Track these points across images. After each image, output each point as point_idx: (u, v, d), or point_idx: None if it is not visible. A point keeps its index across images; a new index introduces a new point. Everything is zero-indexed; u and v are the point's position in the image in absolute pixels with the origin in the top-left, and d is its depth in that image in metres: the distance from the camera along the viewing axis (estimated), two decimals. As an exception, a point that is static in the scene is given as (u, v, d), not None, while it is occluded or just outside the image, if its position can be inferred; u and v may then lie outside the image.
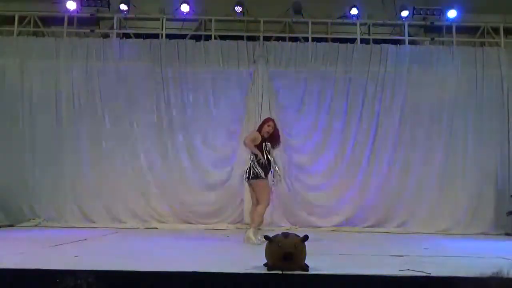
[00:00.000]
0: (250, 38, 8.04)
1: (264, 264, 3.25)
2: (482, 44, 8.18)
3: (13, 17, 7.98)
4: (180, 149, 7.76)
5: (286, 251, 3.12)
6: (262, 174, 5.43)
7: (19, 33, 8.03)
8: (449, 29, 8.16)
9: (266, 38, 8.04)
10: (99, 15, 8.13)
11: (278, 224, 7.39)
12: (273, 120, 5.85)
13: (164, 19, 8.09)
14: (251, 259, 3.58)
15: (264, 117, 7.63)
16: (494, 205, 7.55)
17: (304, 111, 7.89)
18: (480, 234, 7.26)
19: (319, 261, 3.47)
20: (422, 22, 8.20)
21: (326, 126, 7.84)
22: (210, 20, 8.16)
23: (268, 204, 5.56)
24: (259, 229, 5.47)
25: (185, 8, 7.97)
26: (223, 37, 8.07)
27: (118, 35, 8.15)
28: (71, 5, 7.93)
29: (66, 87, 7.76)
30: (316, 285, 3.06)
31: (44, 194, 7.54)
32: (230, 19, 8.24)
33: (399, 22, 8.15)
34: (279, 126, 5.98)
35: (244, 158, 7.55)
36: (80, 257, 3.85)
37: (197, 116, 7.83)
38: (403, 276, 3.09)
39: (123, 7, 7.97)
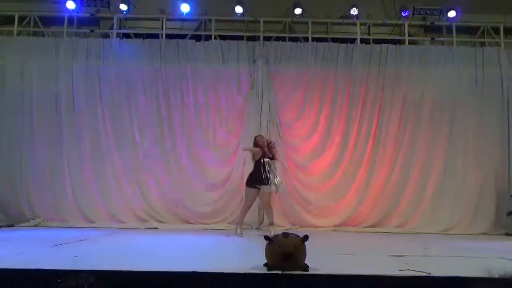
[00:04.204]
0: (250, 38, 8.05)
1: (264, 264, 3.25)
2: (482, 44, 8.19)
3: (13, 17, 7.99)
4: (180, 149, 7.76)
5: (286, 251, 3.13)
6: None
7: (19, 33, 8.04)
8: (449, 29, 8.17)
9: (266, 38, 8.05)
10: (99, 15, 8.14)
11: (278, 224, 7.39)
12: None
13: (164, 19, 8.10)
14: (251, 259, 3.58)
15: (264, 117, 7.69)
16: (494, 205, 7.56)
17: (304, 111, 7.90)
18: (480, 234, 7.26)
19: (319, 261, 3.46)
20: (422, 22, 8.21)
21: (326, 126, 7.85)
22: (210, 20, 8.17)
23: (245, 206, 6.44)
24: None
25: (185, 8, 7.98)
26: (223, 37, 8.08)
27: (118, 35, 8.15)
28: (71, 5, 7.94)
29: (66, 87, 7.76)
30: (316, 285, 3.06)
31: (44, 194, 7.54)
32: (230, 19, 8.24)
33: (399, 22, 8.16)
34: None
35: (243, 158, 7.62)
36: (80, 257, 3.84)
37: (197, 116, 7.83)
38: (403, 276, 3.09)
39: (123, 7, 7.98)
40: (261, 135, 6.64)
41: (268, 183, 6.08)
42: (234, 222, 7.19)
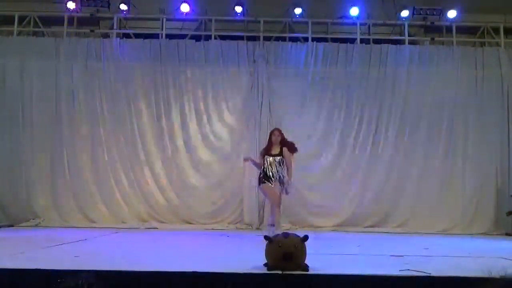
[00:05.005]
0: (250, 38, 8.05)
1: (264, 264, 3.25)
2: (482, 44, 8.19)
3: (13, 17, 7.99)
4: (180, 149, 7.77)
5: (286, 251, 3.12)
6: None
7: (19, 33, 8.04)
8: (449, 29, 8.17)
9: (266, 38, 8.05)
10: (99, 15, 8.14)
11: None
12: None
13: (164, 19, 8.10)
14: (251, 259, 3.58)
15: (264, 116, 7.69)
16: (494, 205, 7.57)
17: (304, 111, 7.90)
18: (480, 234, 7.26)
19: (319, 261, 3.46)
20: (422, 22, 8.20)
21: (326, 126, 7.85)
22: (210, 20, 8.17)
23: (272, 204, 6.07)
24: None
25: (185, 8, 7.98)
26: (223, 37, 8.08)
27: (118, 35, 8.15)
28: (71, 5, 7.93)
29: (66, 87, 7.76)
30: (316, 285, 3.05)
31: (44, 194, 7.54)
32: (230, 19, 8.24)
33: (399, 22, 8.16)
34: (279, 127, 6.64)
35: (243, 158, 7.62)
36: (80, 257, 3.84)
37: (196, 116, 7.83)
38: (403, 276, 3.09)
39: (123, 7, 7.98)
40: (278, 130, 6.25)
41: (272, 180, 5.87)
42: (237, 227, 7.39)
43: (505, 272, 2.02)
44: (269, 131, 7.47)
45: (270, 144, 6.14)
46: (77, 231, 6.43)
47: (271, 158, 5.98)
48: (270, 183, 5.89)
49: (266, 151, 6.09)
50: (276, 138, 6.10)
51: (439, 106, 7.83)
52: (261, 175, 5.97)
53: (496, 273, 2.07)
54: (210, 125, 7.85)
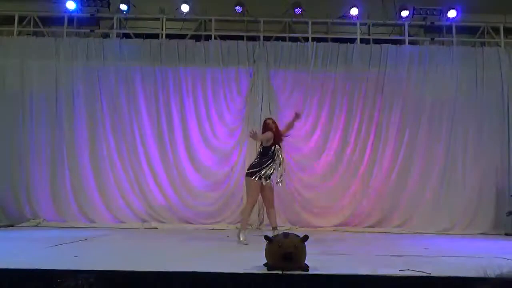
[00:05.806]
0: (250, 38, 8.05)
1: (264, 264, 3.25)
2: (482, 44, 8.19)
3: (13, 17, 7.99)
4: (180, 149, 7.77)
5: (286, 251, 3.13)
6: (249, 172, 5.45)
7: (19, 33, 8.04)
8: (449, 29, 8.17)
9: (266, 38, 8.05)
10: (99, 15, 8.14)
11: (278, 224, 7.36)
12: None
13: (164, 19, 8.11)
14: (251, 259, 3.58)
15: (264, 117, 7.67)
16: (494, 205, 7.56)
17: (304, 111, 7.86)
18: (480, 234, 7.26)
19: (319, 261, 3.47)
20: (422, 22, 8.20)
21: (326, 126, 7.85)
22: (210, 20, 8.18)
23: (249, 203, 5.51)
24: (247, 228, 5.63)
25: (185, 8, 7.98)
26: (223, 37, 8.08)
27: (118, 35, 8.15)
28: (71, 5, 7.94)
29: (66, 87, 7.76)
30: (316, 285, 3.05)
31: (44, 194, 7.55)
32: (230, 19, 8.24)
33: (399, 22, 8.17)
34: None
35: (243, 158, 7.63)
36: (80, 257, 3.84)
37: (197, 116, 7.84)
38: (403, 276, 3.09)
39: (123, 7, 7.98)
40: (271, 118, 5.86)
41: (271, 176, 5.39)
42: (237, 227, 7.19)
43: (501, 271, 2.02)
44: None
45: (278, 133, 5.52)
46: (77, 231, 6.44)
47: (279, 148, 5.48)
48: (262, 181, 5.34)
49: (276, 140, 5.45)
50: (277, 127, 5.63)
51: (439, 106, 7.83)
52: (264, 168, 5.35)
53: (492, 272, 2.08)
54: (210, 125, 7.85)
